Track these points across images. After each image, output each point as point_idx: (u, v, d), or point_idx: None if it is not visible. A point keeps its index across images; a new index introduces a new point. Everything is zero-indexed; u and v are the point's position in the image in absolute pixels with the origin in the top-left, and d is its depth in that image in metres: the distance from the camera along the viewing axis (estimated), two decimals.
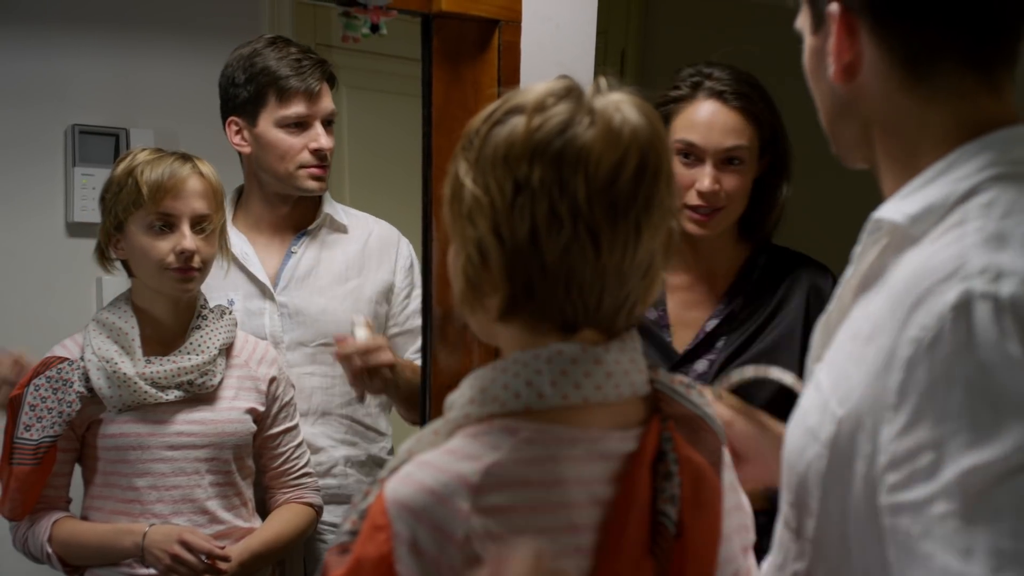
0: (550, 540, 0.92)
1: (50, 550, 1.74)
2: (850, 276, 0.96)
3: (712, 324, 1.84)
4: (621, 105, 0.97)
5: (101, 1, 2.32)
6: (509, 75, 1.91)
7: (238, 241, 2.07)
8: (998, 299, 0.77)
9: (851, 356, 0.88)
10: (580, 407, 0.97)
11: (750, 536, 1.14)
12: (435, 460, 0.95)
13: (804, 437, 0.93)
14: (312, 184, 2.07)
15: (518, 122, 0.95)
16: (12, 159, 2.22)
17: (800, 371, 1.66)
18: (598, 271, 0.95)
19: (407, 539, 0.91)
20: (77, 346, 1.78)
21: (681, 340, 1.85)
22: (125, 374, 1.71)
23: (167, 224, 1.75)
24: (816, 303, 1.78)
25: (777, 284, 1.83)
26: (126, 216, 1.74)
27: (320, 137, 2.04)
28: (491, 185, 0.95)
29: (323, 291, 2.11)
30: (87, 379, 1.72)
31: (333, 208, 2.17)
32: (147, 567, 1.72)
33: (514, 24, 1.95)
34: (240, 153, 2.11)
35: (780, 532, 1.01)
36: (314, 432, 2.06)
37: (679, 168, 1.78)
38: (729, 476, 1.10)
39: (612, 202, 0.94)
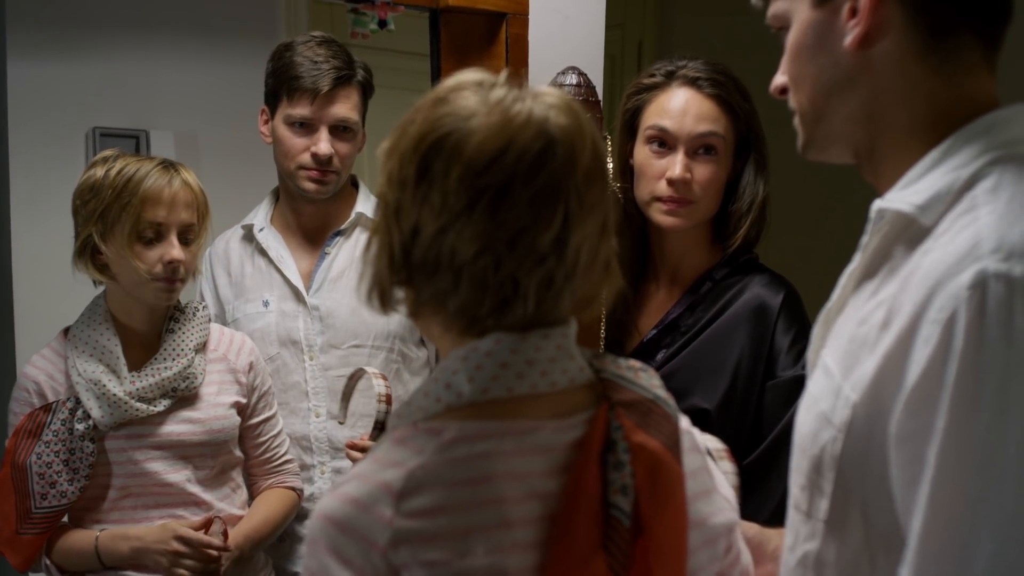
0: (482, 537, 0.91)
1: (48, 561, 1.75)
2: (855, 266, 0.97)
3: (653, 333, 1.79)
4: (532, 97, 0.95)
5: (121, 5, 2.35)
6: (518, 68, 1.92)
7: (275, 243, 2.07)
8: (1011, 278, 0.79)
9: (864, 342, 0.89)
10: (507, 400, 0.95)
11: (732, 516, 1.11)
12: (362, 471, 0.95)
13: (817, 421, 0.94)
14: (309, 186, 2.02)
15: (419, 117, 0.96)
16: (34, 162, 2.26)
17: (726, 389, 1.66)
18: (488, 261, 0.93)
19: (333, 550, 0.91)
20: (49, 363, 1.76)
21: (632, 346, 1.82)
22: (115, 395, 1.70)
23: (156, 234, 1.72)
24: (757, 320, 1.70)
25: (722, 297, 1.76)
26: (114, 224, 1.69)
27: (320, 143, 1.97)
28: (394, 181, 0.97)
29: (355, 292, 2.08)
30: (78, 401, 1.71)
31: (367, 206, 2.09)
32: (148, 571, 1.71)
33: (521, 17, 1.96)
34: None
35: (791, 515, 1.01)
36: (351, 435, 2.03)
37: (650, 157, 1.74)
38: (696, 460, 1.06)
39: (490, 188, 0.92)
